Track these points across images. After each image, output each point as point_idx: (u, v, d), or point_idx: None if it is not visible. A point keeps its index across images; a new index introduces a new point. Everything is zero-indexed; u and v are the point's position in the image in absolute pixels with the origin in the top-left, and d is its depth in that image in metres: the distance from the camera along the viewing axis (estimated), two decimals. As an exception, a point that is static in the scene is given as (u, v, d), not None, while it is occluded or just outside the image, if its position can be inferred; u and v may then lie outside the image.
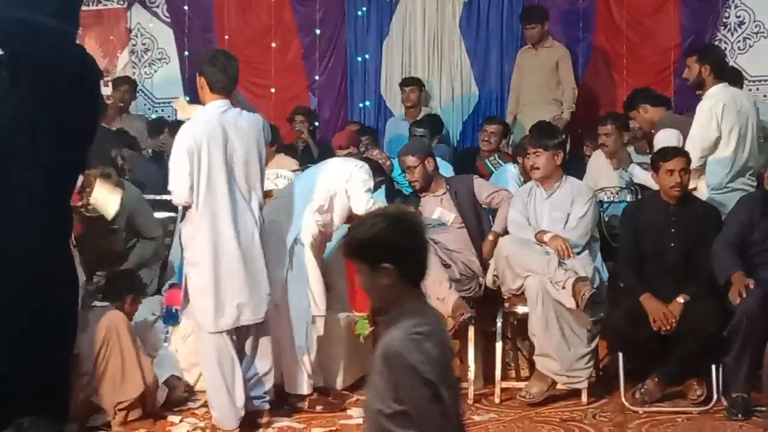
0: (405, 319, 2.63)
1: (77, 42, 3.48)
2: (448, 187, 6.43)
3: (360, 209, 5.75)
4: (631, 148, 7.28)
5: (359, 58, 9.67)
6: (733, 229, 5.70)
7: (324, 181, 5.97)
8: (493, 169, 7.53)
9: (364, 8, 9.61)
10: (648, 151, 7.09)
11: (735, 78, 7.21)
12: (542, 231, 5.95)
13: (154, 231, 6.72)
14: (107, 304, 5.70)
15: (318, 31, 9.66)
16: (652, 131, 7.07)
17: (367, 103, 9.64)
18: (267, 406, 5.55)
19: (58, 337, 3.48)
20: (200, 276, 5.35)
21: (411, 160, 6.44)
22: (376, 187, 6.23)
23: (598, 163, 7.29)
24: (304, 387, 5.84)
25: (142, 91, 10.01)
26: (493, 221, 6.35)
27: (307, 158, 7.78)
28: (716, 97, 6.40)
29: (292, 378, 5.86)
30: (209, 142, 5.27)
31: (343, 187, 5.92)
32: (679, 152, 5.90)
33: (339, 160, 6.43)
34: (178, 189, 5.31)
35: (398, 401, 2.59)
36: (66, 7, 3.39)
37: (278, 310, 5.74)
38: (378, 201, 6.00)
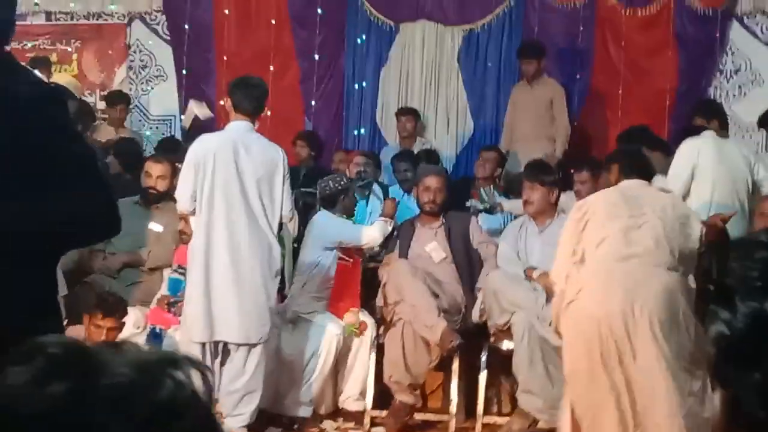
0: None
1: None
2: (443, 221, 6.44)
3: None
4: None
5: (356, 85, 9.69)
6: None
7: None
8: (486, 198, 7.43)
9: (364, 36, 9.65)
10: None
11: (722, 126, 7.23)
12: (531, 267, 5.96)
13: None
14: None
15: (317, 56, 9.69)
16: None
17: (362, 130, 9.65)
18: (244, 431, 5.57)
19: None
20: (192, 285, 5.51)
21: (437, 180, 6.45)
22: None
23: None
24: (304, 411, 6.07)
25: (138, 108, 10.01)
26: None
27: (308, 182, 7.77)
28: (695, 140, 6.48)
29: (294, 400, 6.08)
30: (217, 155, 5.48)
31: None
32: None
33: None
34: (180, 197, 5.61)
35: None
36: None
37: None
38: None
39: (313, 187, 6.97)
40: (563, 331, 4.87)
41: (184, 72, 9.87)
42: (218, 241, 5.45)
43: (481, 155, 8.02)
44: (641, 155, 5.49)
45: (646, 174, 5.26)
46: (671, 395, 4.60)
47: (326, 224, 6.33)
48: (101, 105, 9.47)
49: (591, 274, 4.81)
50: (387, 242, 6.46)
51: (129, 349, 0.94)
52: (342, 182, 6.53)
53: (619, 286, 4.70)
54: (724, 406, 1.06)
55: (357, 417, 6.21)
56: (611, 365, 4.62)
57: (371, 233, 6.32)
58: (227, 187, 5.46)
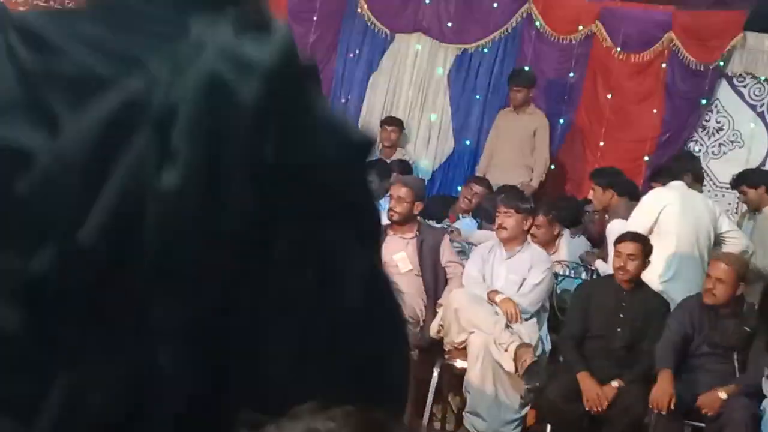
0: None
1: None
2: (418, 233, 6.41)
3: None
4: (566, 232, 7.32)
5: (344, 89, 9.69)
6: (674, 327, 5.74)
7: None
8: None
9: (358, 40, 9.65)
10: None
11: (696, 180, 7.26)
12: (495, 291, 5.98)
13: None
14: None
15: (308, 53, 9.67)
16: (606, 216, 7.15)
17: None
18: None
19: None
20: None
21: (403, 191, 6.35)
22: None
23: None
24: None
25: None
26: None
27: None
28: (662, 191, 6.55)
29: None
30: None
31: None
32: (631, 237, 5.95)
33: None
34: None
35: None
36: None
37: None
38: None
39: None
40: None
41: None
42: None
43: (470, 186, 8.00)
44: None
45: None
46: None
47: None
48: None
49: None
50: None
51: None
52: None
53: None
54: None
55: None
56: None
57: None
58: None
